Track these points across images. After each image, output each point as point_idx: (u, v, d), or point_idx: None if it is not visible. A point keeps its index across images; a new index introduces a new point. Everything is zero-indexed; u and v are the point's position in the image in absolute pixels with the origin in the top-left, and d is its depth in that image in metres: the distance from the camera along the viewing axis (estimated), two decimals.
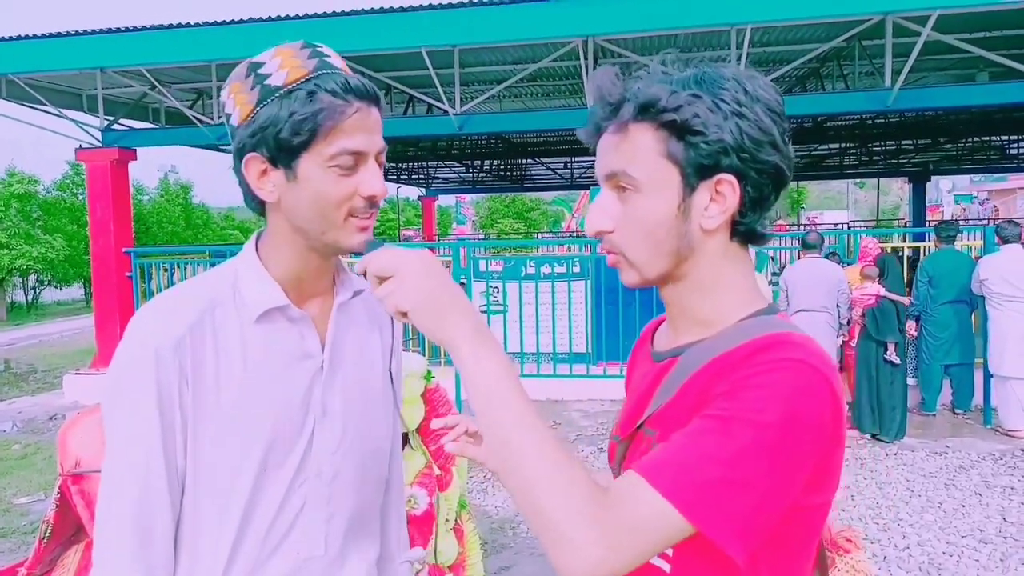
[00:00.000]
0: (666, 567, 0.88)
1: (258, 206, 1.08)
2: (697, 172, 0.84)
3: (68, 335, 16.03)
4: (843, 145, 16.48)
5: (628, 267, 0.90)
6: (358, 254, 1.03)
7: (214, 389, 1.03)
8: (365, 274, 0.88)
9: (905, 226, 19.51)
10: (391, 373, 1.23)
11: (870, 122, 13.45)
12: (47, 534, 1.97)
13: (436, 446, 2.50)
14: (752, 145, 0.83)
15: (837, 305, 6.23)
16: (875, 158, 17.87)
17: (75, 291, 25.34)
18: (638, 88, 0.86)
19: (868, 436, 6.17)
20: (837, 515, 4.55)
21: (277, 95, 0.98)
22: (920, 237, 8.85)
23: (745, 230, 0.87)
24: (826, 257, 7.64)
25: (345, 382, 1.12)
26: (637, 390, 0.98)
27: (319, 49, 1.02)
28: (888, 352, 6.12)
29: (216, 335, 1.03)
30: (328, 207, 1.01)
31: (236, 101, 1.02)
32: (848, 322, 6.32)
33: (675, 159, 0.84)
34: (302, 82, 0.98)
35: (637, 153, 0.85)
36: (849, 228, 19.66)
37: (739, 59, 7.04)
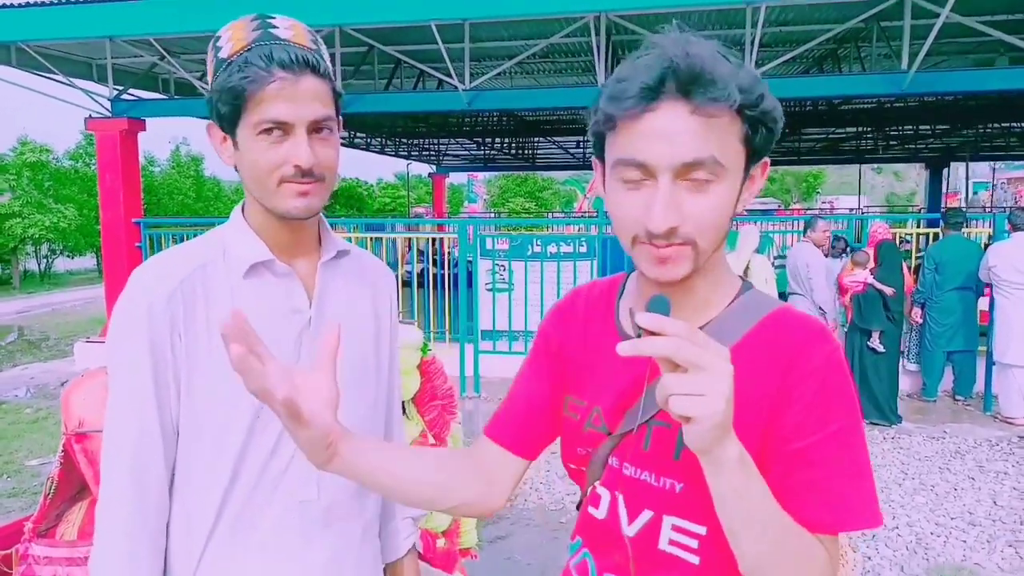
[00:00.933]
0: (695, 560, 0.91)
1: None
2: (757, 158, 0.88)
3: (80, 304, 16.21)
4: (860, 129, 16.29)
5: (691, 258, 0.85)
6: (302, 218, 1.09)
7: (206, 341, 1.08)
8: (639, 328, 0.71)
9: (920, 212, 19.33)
10: (385, 329, 1.28)
11: (887, 106, 13.27)
12: (52, 491, 2.02)
13: (431, 416, 2.55)
14: (777, 116, 0.88)
15: (811, 289, 6.27)
16: (892, 143, 17.65)
17: (87, 260, 25.53)
18: (729, 72, 0.82)
19: (866, 422, 6.20)
20: None
21: (223, 67, 1.05)
22: (934, 223, 8.78)
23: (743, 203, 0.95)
24: (834, 243, 7.63)
25: None
26: (623, 376, 0.95)
27: (269, 20, 1.06)
28: (871, 339, 6.13)
29: (207, 290, 1.09)
30: (260, 174, 1.06)
31: (208, 70, 1.10)
32: (825, 307, 6.33)
33: (749, 145, 0.86)
34: (239, 54, 1.03)
35: (724, 139, 0.83)
36: (862, 213, 19.50)
37: (754, 39, 6.96)
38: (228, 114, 1.05)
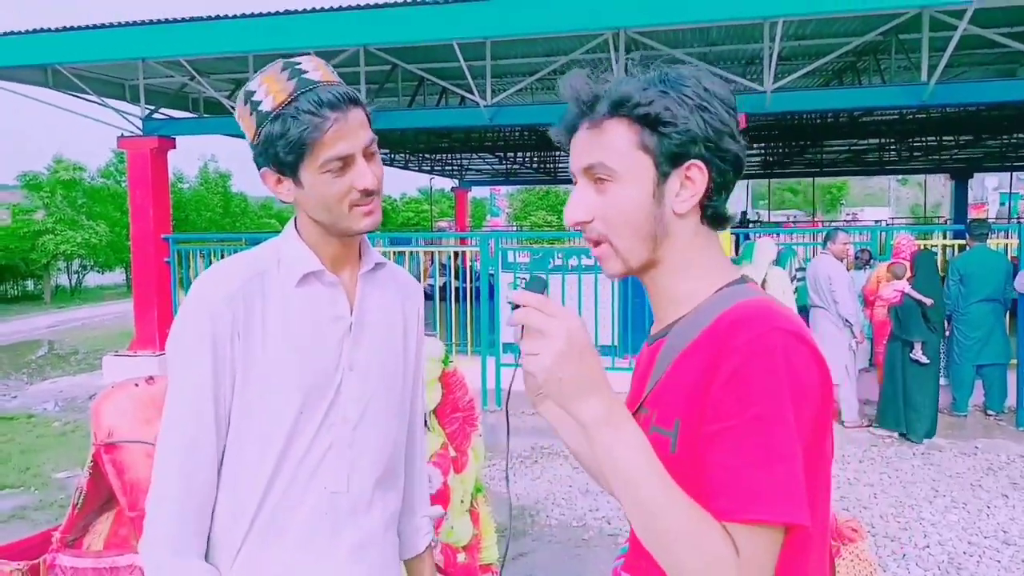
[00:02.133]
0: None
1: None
2: (669, 160, 0.92)
3: (109, 318, 16.49)
4: (882, 140, 16.13)
5: (613, 255, 0.97)
6: (371, 232, 1.23)
7: (260, 342, 1.20)
8: (512, 304, 0.88)
9: (945, 224, 19.04)
10: (413, 341, 1.39)
11: (909, 117, 13.15)
12: (80, 501, 2.06)
13: (452, 428, 2.57)
14: (715, 135, 0.92)
15: (835, 302, 6.21)
16: (916, 154, 17.45)
17: (117, 276, 25.96)
18: (609, 87, 0.95)
19: (896, 434, 6.09)
20: (859, 510, 4.52)
21: (268, 120, 1.15)
22: (960, 235, 8.66)
23: (713, 213, 0.96)
24: (858, 254, 7.56)
25: (370, 341, 1.28)
26: (635, 375, 1.08)
27: (297, 67, 1.17)
28: (914, 351, 6.03)
29: (263, 296, 1.21)
30: (331, 204, 1.19)
31: (244, 125, 1.21)
32: (851, 319, 6.26)
33: (649, 149, 0.93)
34: (284, 106, 1.14)
35: (613, 145, 0.94)
36: (887, 225, 19.25)
37: (771, 53, 6.96)
38: (292, 161, 1.16)
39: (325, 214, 1.20)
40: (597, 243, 0.98)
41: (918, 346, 6.02)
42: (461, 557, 2.48)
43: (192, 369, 1.17)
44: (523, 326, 0.85)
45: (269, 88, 1.15)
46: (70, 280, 24.20)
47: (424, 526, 1.47)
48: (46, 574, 2.02)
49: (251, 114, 1.17)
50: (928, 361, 6.01)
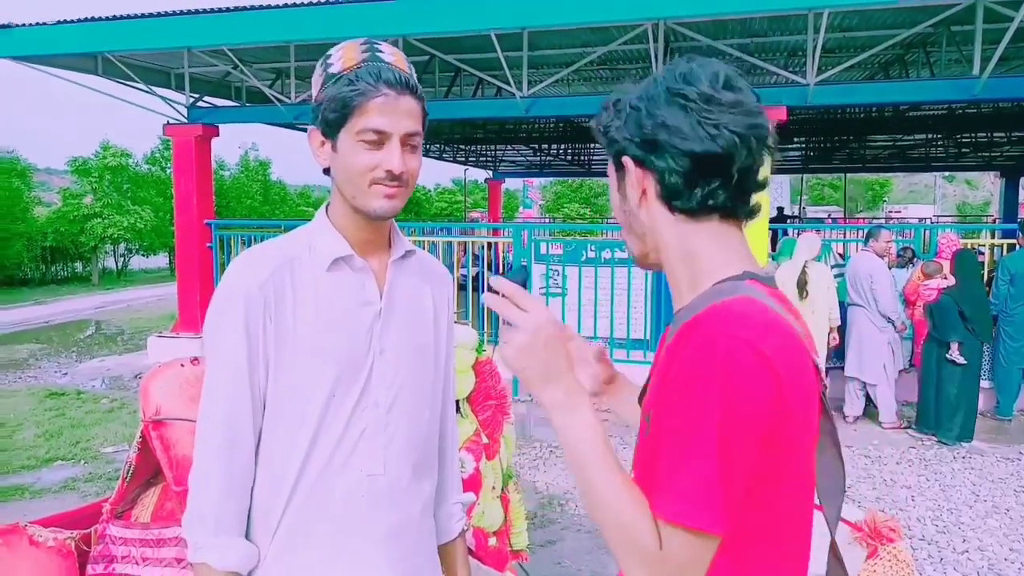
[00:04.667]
0: None
1: (327, 173, 1.30)
2: (616, 163, 1.01)
3: (153, 300, 16.94)
4: (929, 136, 15.69)
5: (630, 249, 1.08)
6: (386, 217, 1.25)
7: (291, 325, 1.22)
8: (490, 287, 0.98)
9: (994, 223, 18.49)
10: (443, 328, 1.41)
11: (959, 112, 12.77)
12: (129, 474, 2.12)
13: (485, 415, 2.61)
14: (636, 130, 0.96)
15: (875, 300, 6.09)
16: (964, 150, 16.94)
17: (160, 260, 26.59)
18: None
19: (935, 437, 5.98)
20: (896, 513, 4.46)
21: (332, 80, 1.21)
22: (1010, 234, 8.41)
23: (686, 205, 0.96)
24: (900, 252, 7.40)
25: (399, 326, 1.30)
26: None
27: (376, 45, 1.24)
28: (951, 352, 5.90)
29: (294, 280, 1.23)
30: (354, 174, 1.21)
31: (314, 84, 1.26)
32: (893, 317, 6.14)
33: (611, 157, 1.03)
34: (350, 71, 1.19)
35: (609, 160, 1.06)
36: (932, 223, 18.77)
37: (815, 45, 6.83)
38: (335, 120, 1.20)
39: (348, 185, 1.23)
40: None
41: (954, 346, 5.88)
42: (492, 541, 2.52)
43: (228, 352, 1.21)
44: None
45: (344, 54, 1.22)
46: (116, 263, 24.85)
47: (456, 512, 1.50)
48: (97, 543, 2.09)
49: (321, 74, 1.23)
50: (964, 362, 5.86)
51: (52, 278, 22.38)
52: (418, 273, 1.37)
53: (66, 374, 8.69)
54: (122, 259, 25.05)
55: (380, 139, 1.19)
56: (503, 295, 0.94)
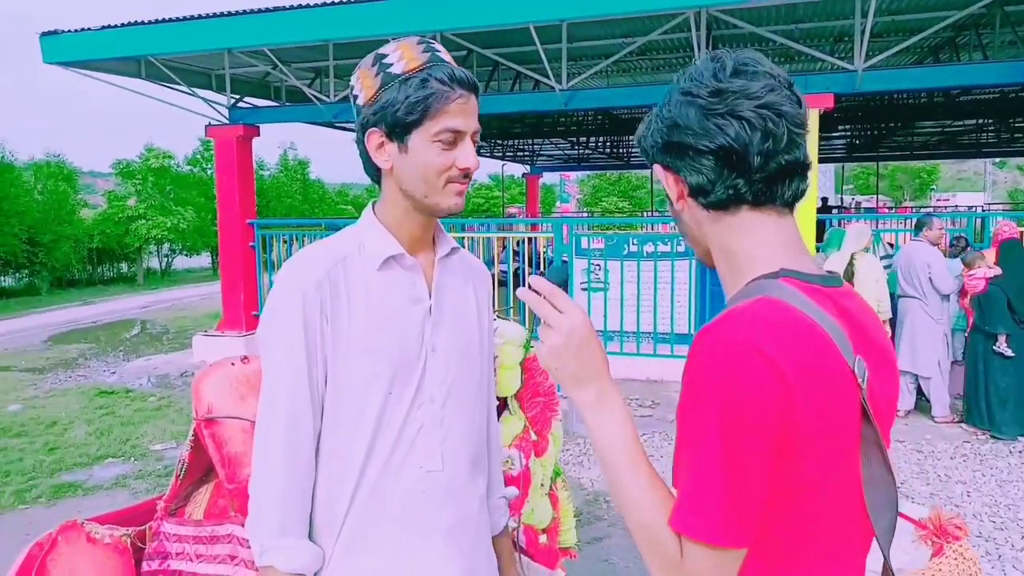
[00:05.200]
0: None
1: (374, 173, 1.30)
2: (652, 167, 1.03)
3: (196, 300, 17.27)
4: (980, 121, 15.16)
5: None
6: (456, 214, 1.26)
7: (346, 324, 1.23)
8: (530, 286, 0.97)
9: None
10: (485, 324, 1.41)
11: (1011, 95, 12.31)
12: (183, 472, 2.13)
13: (534, 412, 2.57)
14: (657, 136, 0.97)
15: (935, 288, 5.90)
16: (1017, 135, 16.35)
17: (203, 259, 27.14)
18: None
19: (989, 432, 5.78)
20: (951, 509, 4.31)
21: (396, 81, 1.20)
22: None
23: (714, 200, 0.94)
24: (953, 241, 7.16)
25: (448, 324, 1.31)
26: None
27: (432, 45, 1.24)
28: (998, 343, 5.69)
29: (347, 280, 1.24)
30: (431, 174, 1.22)
31: (363, 85, 1.24)
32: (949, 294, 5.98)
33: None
34: (417, 71, 1.19)
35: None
36: (982, 211, 18.17)
37: (863, 29, 6.62)
38: (410, 122, 1.20)
39: (420, 185, 1.23)
40: None
41: (1002, 338, 5.68)
42: (543, 539, 2.49)
43: (287, 353, 1.21)
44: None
45: (404, 54, 1.21)
46: (160, 263, 25.46)
47: (502, 506, 1.50)
48: (151, 539, 2.10)
49: (377, 75, 1.22)
50: (1013, 354, 5.66)
51: (99, 279, 23.00)
52: (460, 270, 1.38)
53: (114, 373, 8.89)
54: (166, 259, 25.65)
55: (456, 139, 1.21)
56: (541, 294, 0.95)
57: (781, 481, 0.82)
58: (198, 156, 26.09)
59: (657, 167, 1.00)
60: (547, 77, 7.78)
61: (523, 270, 8.10)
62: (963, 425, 5.99)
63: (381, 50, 1.24)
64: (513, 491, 1.97)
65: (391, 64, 1.21)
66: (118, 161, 23.12)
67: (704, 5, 6.64)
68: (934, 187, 43.87)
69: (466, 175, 1.24)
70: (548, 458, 2.67)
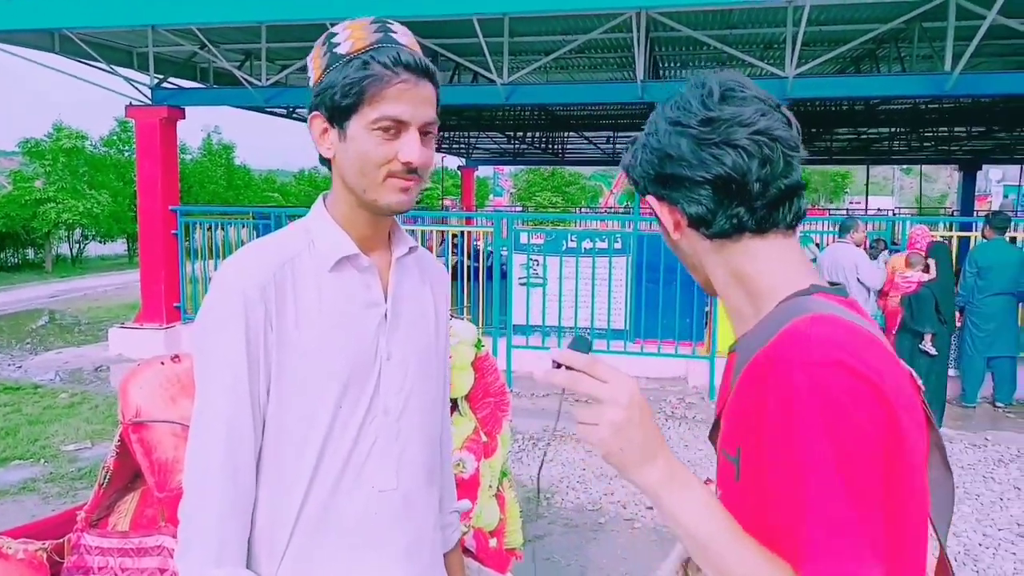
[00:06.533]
0: None
1: (325, 164, 1.19)
2: (643, 198, 0.99)
3: (111, 289, 16.40)
4: (893, 130, 15.99)
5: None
6: (399, 213, 1.15)
7: (294, 330, 1.12)
8: (556, 363, 0.84)
9: (952, 215, 18.96)
10: (443, 328, 1.33)
11: (923, 107, 13.02)
12: (106, 480, 2.00)
13: (484, 413, 2.52)
14: (649, 168, 0.94)
15: (865, 287, 6.20)
16: (926, 144, 17.33)
17: (119, 246, 25.85)
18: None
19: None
20: None
21: (340, 62, 1.10)
22: (967, 227, 8.60)
23: (716, 231, 0.91)
24: (872, 243, 7.51)
25: (404, 330, 1.22)
26: (722, 382, 1.04)
27: (388, 25, 1.13)
28: (924, 342, 6.02)
29: (295, 282, 1.13)
30: (368, 166, 1.11)
31: (312, 66, 1.15)
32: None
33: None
34: (361, 52, 1.09)
35: None
36: (894, 215, 19.17)
37: (794, 37, 6.84)
38: (346, 107, 1.09)
39: (358, 178, 1.12)
40: None
41: (928, 337, 6.01)
42: (492, 543, 2.45)
43: (225, 362, 1.09)
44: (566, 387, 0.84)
45: (352, 34, 1.11)
46: (71, 249, 24.08)
47: (453, 520, 1.43)
48: (71, 553, 1.97)
49: (324, 55, 1.12)
50: (936, 353, 5.99)
51: (2, 265, 21.58)
52: (418, 271, 1.28)
53: (20, 367, 8.35)
54: (77, 245, 24.27)
55: (397, 128, 1.09)
56: (572, 368, 0.82)
57: (892, 499, 0.77)
58: (115, 137, 24.79)
59: (650, 198, 0.96)
60: (488, 71, 7.72)
61: (462, 264, 8.03)
62: None
63: (334, 28, 1.14)
64: (466, 504, 1.91)
65: (338, 44, 1.11)
66: (25, 140, 21.71)
67: (644, 7, 6.72)
68: (847, 190, 46.05)
69: (412, 170, 1.11)
70: (496, 460, 2.63)
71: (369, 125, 1.08)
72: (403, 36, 1.13)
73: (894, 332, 6.39)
